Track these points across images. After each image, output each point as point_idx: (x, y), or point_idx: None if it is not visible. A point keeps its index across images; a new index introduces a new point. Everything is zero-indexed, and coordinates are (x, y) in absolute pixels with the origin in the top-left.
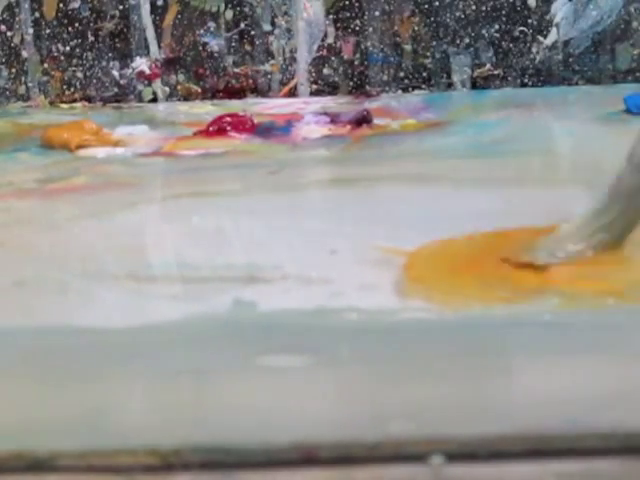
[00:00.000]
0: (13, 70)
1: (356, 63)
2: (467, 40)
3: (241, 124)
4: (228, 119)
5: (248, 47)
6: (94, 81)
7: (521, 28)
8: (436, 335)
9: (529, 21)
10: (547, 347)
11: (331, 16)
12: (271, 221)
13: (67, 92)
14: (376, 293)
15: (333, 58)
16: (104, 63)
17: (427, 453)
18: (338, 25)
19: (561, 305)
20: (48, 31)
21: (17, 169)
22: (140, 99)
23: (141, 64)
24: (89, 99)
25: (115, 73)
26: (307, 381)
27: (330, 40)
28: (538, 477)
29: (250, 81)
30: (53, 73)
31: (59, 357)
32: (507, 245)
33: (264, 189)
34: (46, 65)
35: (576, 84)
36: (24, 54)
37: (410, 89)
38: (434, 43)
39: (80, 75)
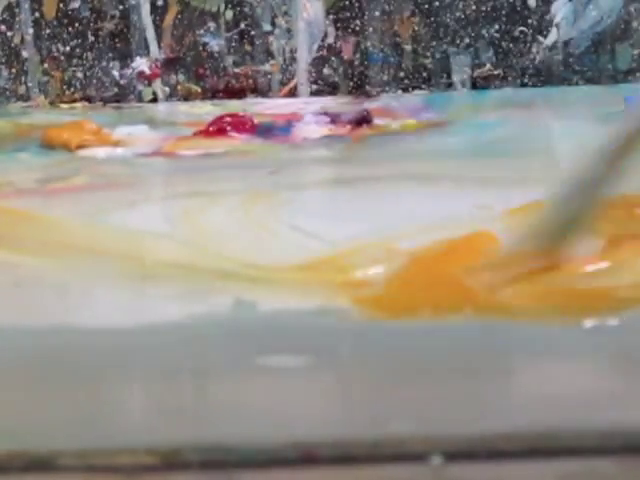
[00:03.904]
0: (13, 70)
1: (356, 63)
2: (467, 40)
3: (241, 124)
4: (228, 119)
5: (248, 47)
6: (94, 81)
7: (521, 28)
8: (436, 335)
9: (529, 21)
10: (547, 347)
11: (331, 16)
12: (271, 221)
13: (67, 92)
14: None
15: (333, 58)
16: (104, 63)
17: (427, 453)
18: (338, 25)
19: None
20: (48, 31)
21: (17, 169)
22: (140, 99)
23: (141, 64)
24: (89, 99)
25: (115, 73)
26: (307, 381)
27: (330, 40)
28: (538, 476)
29: (250, 81)
30: (53, 73)
31: (59, 357)
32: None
33: (264, 189)
34: (46, 65)
35: (576, 84)
36: (24, 54)
37: (410, 89)
38: (434, 43)
39: (80, 75)
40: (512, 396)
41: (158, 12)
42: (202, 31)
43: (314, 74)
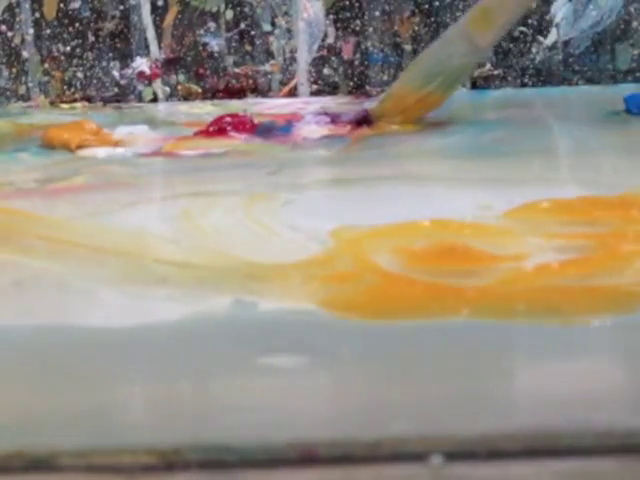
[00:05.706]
0: (13, 70)
1: (356, 63)
2: None
3: (241, 124)
4: (228, 119)
5: (248, 47)
6: (94, 81)
7: (521, 28)
8: (435, 334)
9: (529, 21)
10: (547, 347)
11: (331, 16)
12: (270, 221)
13: (67, 92)
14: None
15: (333, 58)
16: (104, 63)
17: (427, 452)
18: (338, 25)
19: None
20: (48, 31)
21: (17, 169)
22: (140, 99)
23: (141, 64)
24: (89, 99)
25: (115, 73)
26: (307, 380)
27: (330, 40)
28: (537, 476)
29: (250, 81)
30: (53, 73)
31: (59, 357)
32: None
33: (264, 189)
34: (46, 65)
35: (576, 84)
36: (24, 54)
37: None
38: None
39: (80, 75)
40: (512, 396)
41: (158, 12)
42: (202, 31)
43: (314, 74)
